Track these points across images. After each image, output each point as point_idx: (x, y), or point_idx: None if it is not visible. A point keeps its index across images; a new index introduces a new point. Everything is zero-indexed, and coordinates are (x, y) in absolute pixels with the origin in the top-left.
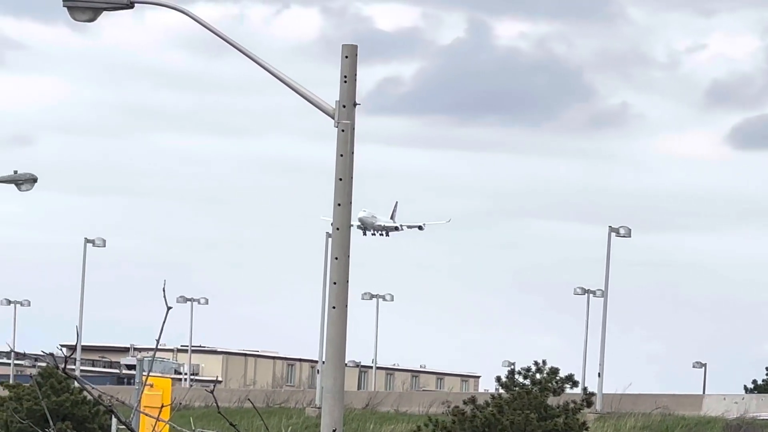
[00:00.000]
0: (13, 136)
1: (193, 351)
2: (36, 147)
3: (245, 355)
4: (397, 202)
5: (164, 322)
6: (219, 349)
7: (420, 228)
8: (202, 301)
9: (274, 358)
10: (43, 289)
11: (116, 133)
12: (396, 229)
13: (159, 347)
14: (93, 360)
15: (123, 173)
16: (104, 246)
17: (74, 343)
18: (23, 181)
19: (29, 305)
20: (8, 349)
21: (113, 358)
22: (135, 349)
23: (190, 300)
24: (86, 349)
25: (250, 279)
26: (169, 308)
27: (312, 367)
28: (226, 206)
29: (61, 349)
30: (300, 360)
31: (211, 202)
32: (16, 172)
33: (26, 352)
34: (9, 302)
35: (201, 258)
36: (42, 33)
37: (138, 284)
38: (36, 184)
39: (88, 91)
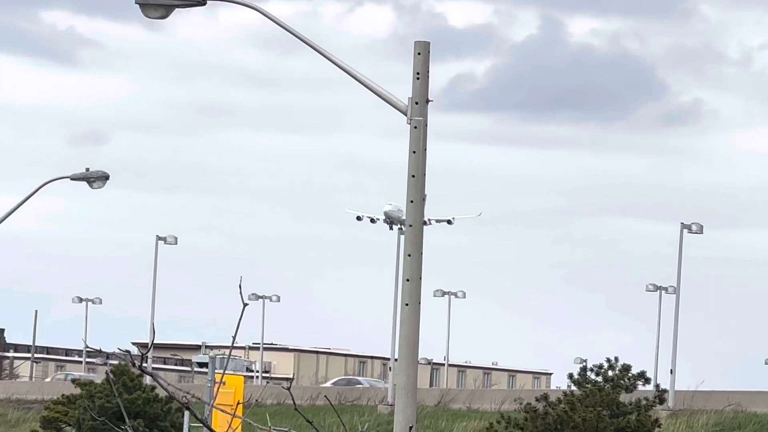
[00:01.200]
0: (86, 134)
1: (265, 349)
2: (108, 145)
3: (317, 352)
4: (426, 195)
5: (240, 319)
6: (290, 347)
7: (449, 222)
8: (274, 298)
9: (345, 355)
10: (114, 287)
11: (188, 130)
12: (423, 223)
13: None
14: (164, 358)
15: (195, 170)
16: (176, 243)
17: (146, 341)
18: (95, 179)
19: (101, 303)
20: (82, 347)
21: (185, 355)
22: (207, 346)
23: (261, 297)
24: (157, 346)
25: (322, 276)
26: (245, 305)
27: (384, 365)
28: (297, 203)
29: (137, 347)
30: (371, 357)
31: (283, 199)
32: (88, 169)
33: (101, 348)
34: (81, 300)
35: (273, 255)
36: (115, 31)
37: (209, 282)
38: (108, 181)
39: (161, 89)
